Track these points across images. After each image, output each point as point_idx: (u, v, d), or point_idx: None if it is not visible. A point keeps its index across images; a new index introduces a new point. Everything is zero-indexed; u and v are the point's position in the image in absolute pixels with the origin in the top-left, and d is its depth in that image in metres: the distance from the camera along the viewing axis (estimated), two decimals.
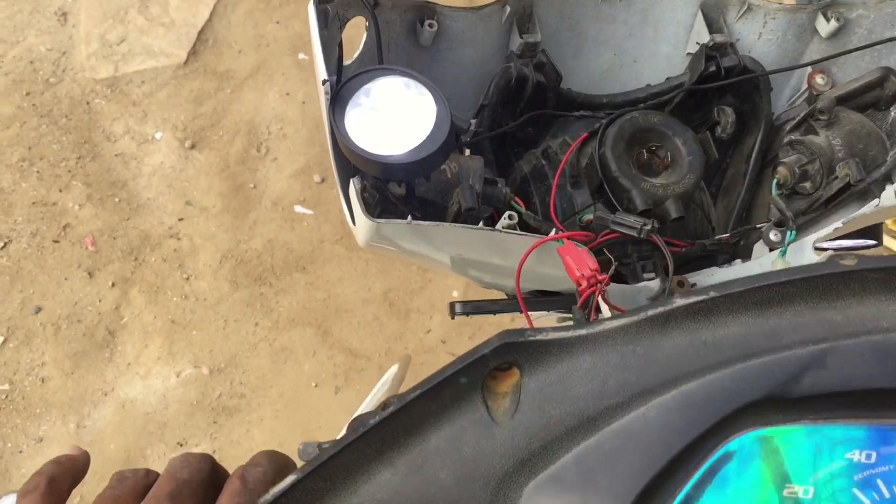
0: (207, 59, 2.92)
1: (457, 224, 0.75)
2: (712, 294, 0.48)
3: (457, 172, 0.86)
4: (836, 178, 0.96)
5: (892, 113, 0.99)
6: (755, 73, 0.98)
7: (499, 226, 0.80)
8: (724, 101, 1.03)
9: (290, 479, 0.49)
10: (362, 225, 0.73)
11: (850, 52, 0.97)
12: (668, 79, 1.03)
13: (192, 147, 2.74)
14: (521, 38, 0.93)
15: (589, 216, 0.88)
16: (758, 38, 1.01)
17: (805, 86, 1.03)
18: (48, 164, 2.68)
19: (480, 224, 0.78)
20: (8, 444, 2.26)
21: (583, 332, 0.50)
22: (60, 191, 2.63)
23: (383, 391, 1.16)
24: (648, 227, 0.83)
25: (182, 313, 2.47)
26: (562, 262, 0.77)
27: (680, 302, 0.48)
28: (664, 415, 0.48)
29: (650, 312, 0.49)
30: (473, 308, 0.93)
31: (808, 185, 0.98)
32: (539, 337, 0.50)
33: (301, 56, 2.94)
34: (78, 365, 2.38)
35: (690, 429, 0.47)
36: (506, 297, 1.01)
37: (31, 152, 2.69)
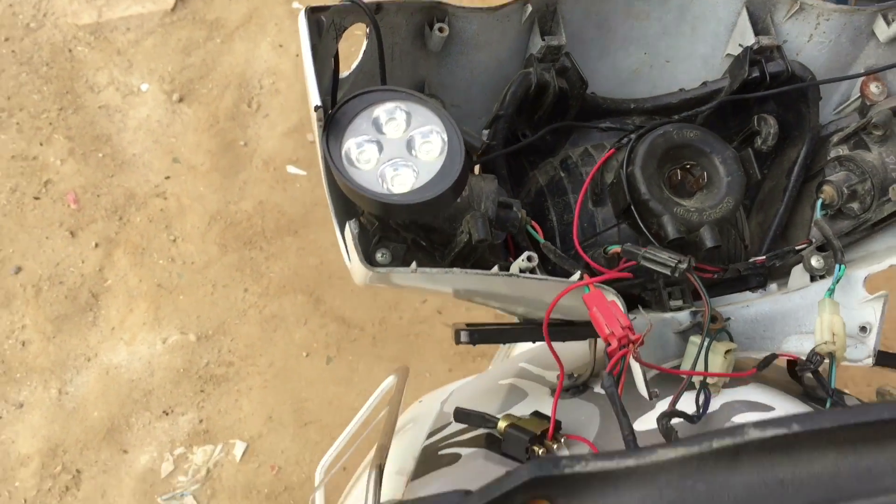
0: (196, 7, 2.77)
1: (470, 270, 0.65)
2: (795, 428, 0.39)
3: (467, 196, 0.75)
4: (889, 200, 0.86)
5: None
6: (805, 84, 0.87)
7: (515, 268, 0.70)
8: (765, 109, 0.92)
9: None
10: (359, 270, 0.64)
11: None
12: (704, 83, 0.92)
13: (180, 100, 2.61)
14: (543, 40, 0.82)
15: (615, 248, 0.79)
16: (808, 39, 0.90)
17: (857, 94, 0.92)
18: (28, 115, 2.55)
19: (495, 269, 0.68)
20: None
21: (631, 462, 0.41)
22: (41, 144, 2.51)
23: (374, 406, 1.08)
24: (684, 265, 0.73)
25: (168, 277, 2.37)
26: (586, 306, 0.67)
27: (754, 434, 0.40)
28: None
29: (716, 444, 0.41)
30: (481, 337, 0.84)
31: (855, 205, 0.89)
32: (577, 468, 0.42)
33: (295, 5, 2.80)
34: (60, 329, 2.29)
35: None
36: (516, 321, 0.92)
37: (10, 102, 2.56)
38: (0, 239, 2.37)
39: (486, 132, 0.84)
